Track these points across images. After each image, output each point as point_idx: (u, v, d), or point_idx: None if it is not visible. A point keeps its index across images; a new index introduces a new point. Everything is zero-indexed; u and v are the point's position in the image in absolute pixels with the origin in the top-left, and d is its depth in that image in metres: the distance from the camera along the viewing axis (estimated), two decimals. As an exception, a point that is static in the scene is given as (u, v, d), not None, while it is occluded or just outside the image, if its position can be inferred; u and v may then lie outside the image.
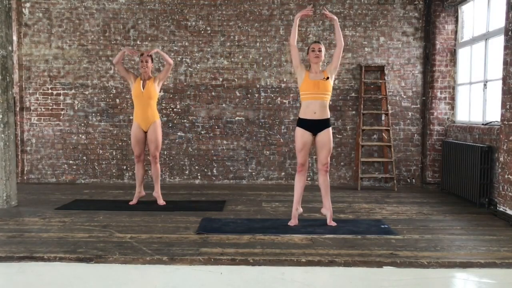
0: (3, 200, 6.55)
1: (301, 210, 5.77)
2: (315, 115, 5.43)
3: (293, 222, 5.64)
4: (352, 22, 8.64)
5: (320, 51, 5.45)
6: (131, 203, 6.75)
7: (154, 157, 6.67)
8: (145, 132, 6.62)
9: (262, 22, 8.67)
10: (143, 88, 6.51)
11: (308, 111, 5.44)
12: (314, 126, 5.47)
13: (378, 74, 8.73)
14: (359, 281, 4.02)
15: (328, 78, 5.45)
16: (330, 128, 5.54)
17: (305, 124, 5.48)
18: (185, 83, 8.75)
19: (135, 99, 6.57)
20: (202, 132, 8.78)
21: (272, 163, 8.77)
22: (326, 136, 5.50)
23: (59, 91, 8.78)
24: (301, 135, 5.51)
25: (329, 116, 5.52)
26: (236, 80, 8.73)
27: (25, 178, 8.81)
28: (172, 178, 8.81)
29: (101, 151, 8.80)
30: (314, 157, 8.74)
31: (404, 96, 8.69)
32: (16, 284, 3.96)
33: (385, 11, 8.64)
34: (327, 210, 5.70)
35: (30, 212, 6.28)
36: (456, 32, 8.32)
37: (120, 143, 8.74)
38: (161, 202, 6.78)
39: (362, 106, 8.47)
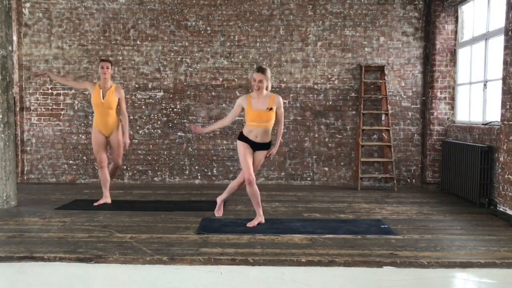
0: (3, 200, 6.55)
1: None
2: (257, 139, 5.52)
3: (261, 220, 5.71)
4: (352, 22, 8.64)
5: (261, 82, 5.40)
6: (95, 204, 6.67)
7: (117, 164, 6.75)
8: (107, 137, 6.62)
9: (262, 22, 8.67)
10: (103, 98, 6.47)
11: (251, 135, 5.53)
12: (254, 146, 5.57)
13: (378, 74, 8.73)
14: (359, 281, 4.02)
15: (271, 109, 5.45)
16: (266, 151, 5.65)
17: (246, 140, 5.56)
18: (185, 83, 8.75)
19: (95, 108, 6.55)
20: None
21: (272, 163, 8.76)
22: (263, 155, 5.63)
23: (59, 91, 8.78)
24: (244, 146, 5.57)
25: (270, 140, 5.61)
26: (236, 80, 8.73)
27: (25, 178, 8.81)
28: (172, 178, 8.81)
29: (101, 151, 8.79)
30: (314, 157, 8.75)
31: (404, 96, 8.69)
32: (16, 284, 3.96)
33: (385, 11, 8.64)
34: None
35: (30, 212, 6.28)
36: (456, 32, 8.32)
37: (120, 143, 8.74)
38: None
39: (362, 106, 8.47)
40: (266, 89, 5.50)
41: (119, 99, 6.55)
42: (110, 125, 6.56)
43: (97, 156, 6.64)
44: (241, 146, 5.57)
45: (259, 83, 5.40)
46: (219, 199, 6.08)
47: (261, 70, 5.45)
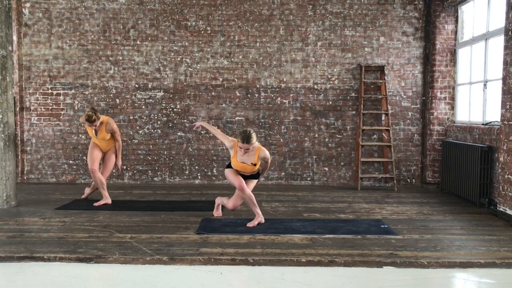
0: (3, 200, 6.55)
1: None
2: (244, 174, 5.70)
3: (261, 220, 5.74)
4: (352, 22, 8.64)
5: (247, 150, 5.45)
6: (96, 204, 6.71)
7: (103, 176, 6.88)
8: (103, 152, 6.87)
9: (262, 22, 8.67)
10: (96, 135, 6.71)
11: (239, 172, 5.70)
12: (244, 176, 5.73)
13: (378, 74, 8.73)
14: (359, 281, 4.02)
15: (255, 164, 5.56)
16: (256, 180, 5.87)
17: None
18: (185, 83, 8.75)
19: (92, 138, 6.81)
20: (202, 132, 8.78)
21: (272, 163, 8.76)
22: (252, 182, 5.83)
23: (59, 91, 8.78)
24: (233, 171, 5.71)
25: (258, 171, 5.77)
26: (236, 80, 8.72)
27: (25, 178, 8.81)
28: (172, 178, 8.81)
29: (101, 151, 8.79)
30: (314, 157, 8.75)
31: (404, 96, 8.69)
32: (16, 284, 3.96)
33: (385, 11, 8.64)
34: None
35: (30, 212, 6.28)
36: (456, 32, 8.32)
37: (120, 143, 8.73)
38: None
39: (362, 106, 8.47)
40: None
41: (111, 131, 6.73)
42: (109, 146, 6.85)
43: (90, 158, 6.73)
44: (228, 169, 5.73)
45: (246, 150, 5.46)
46: (217, 201, 6.18)
47: (247, 140, 5.36)
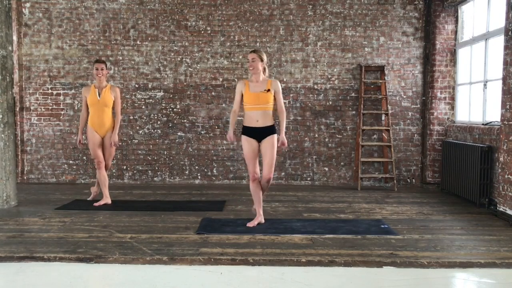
0: (3, 200, 6.55)
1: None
2: (258, 122, 5.49)
3: (261, 220, 5.67)
4: (352, 22, 8.64)
5: (254, 61, 5.43)
6: (96, 204, 6.68)
7: (107, 165, 6.78)
8: (101, 138, 6.68)
9: (262, 22, 8.67)
10: (99, 96, 6.57)
11: (252, 120, 5.51)
12: (258, 134, 5.51)
13: (378, 74, 8.73)
14: (359, 281, 4.02)
15: (269, 90, 5.45)
16: (275, 135, 5.54)
17: (249, 132, 5.52)
18: (185, 83, 8.75)
19: (91, 107, 6.61)
20: (202, 132, 8.78)
21: (272, 163, 8.75)
22: (269, 143, 5.51)
23: (59, 91, 8.78)
24: (248, 142, 5.52)
25: (273, 123, 5.54)
26: (236, 80, 8.72)
27: (25, 178, 8.81)
28: (172, 178, 8.81)
29: (101, 151, 8.79)
30: (314, 157, 8.75)
31: (404, 96, 8.69)
32: (16, 284, 3.96)
33: (385, 11, 8.64)
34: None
35: (30, 212, 6.28)
36: (456, 32, 8.32)
37: (120, 143, 8.72)
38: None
39: (362, 106, 8.47)
40: (264, 73, 5.54)
41: (114, 97, 6.64)
42: (106, 125, 6.65)
43: (96, 156, 6.67)
44: (244, 143, 5.55)
45: (252, 62, 5.43)
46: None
47: (254, 50, 5.51)
